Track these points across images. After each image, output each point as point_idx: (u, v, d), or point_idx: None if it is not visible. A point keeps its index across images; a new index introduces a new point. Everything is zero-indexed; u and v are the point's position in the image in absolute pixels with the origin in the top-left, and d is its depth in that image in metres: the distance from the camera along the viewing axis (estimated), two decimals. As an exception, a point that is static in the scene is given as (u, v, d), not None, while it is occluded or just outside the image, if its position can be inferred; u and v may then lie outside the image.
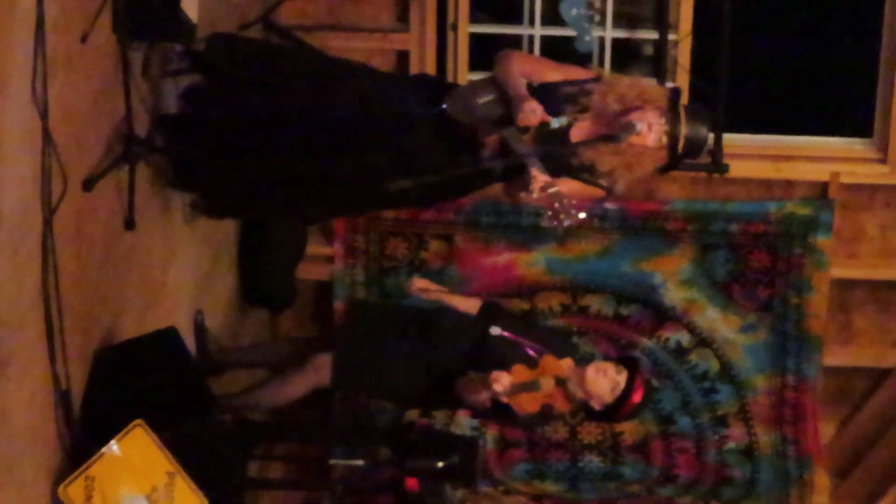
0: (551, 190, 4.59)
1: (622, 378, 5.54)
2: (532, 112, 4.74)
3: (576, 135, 4.91)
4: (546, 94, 4.91)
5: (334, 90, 5.08)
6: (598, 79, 4.96)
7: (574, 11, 6.18)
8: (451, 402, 6.05)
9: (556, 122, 4.87)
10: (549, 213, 4.55)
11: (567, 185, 4.83)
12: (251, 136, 5.03)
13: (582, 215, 4.55)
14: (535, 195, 4.63)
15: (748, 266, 7.27)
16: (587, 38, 6.47)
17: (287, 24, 6.89)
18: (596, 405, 5.58)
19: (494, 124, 4.87)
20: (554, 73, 4.98)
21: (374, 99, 5.03)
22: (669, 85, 6.71)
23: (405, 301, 6.52)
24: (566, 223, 4.55)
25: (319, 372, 5.81)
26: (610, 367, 5.58)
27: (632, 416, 5.82)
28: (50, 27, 3.92)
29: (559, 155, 4.88)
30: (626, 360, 5.72)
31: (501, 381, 5.40)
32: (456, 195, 5.69)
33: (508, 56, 4.98)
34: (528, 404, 5.49)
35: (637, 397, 5.59)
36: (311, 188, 5.14)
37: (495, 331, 5.65)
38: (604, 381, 5.53)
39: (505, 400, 5.47)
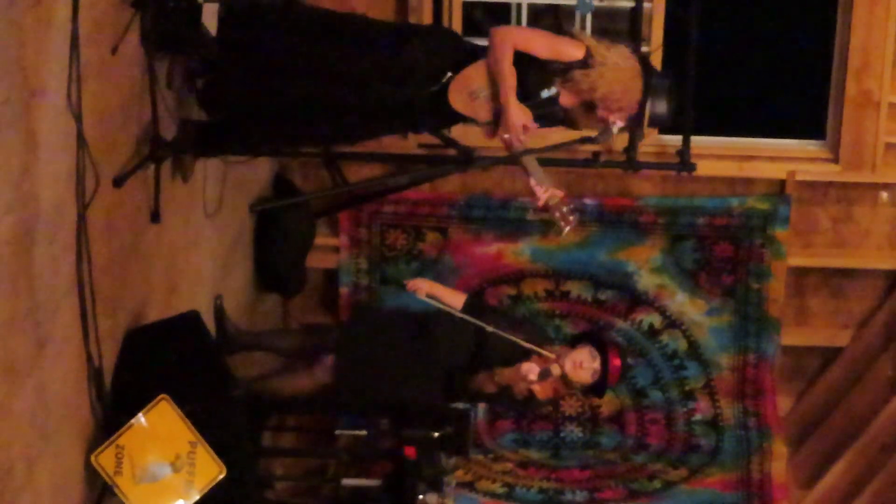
0: (553, 201, 4.69)
1: (597, 363, 5.58)
2: (517, 137, 4.79)
3: (563, 100, 4.94)
4: (537, 67, 4.91)
5: (337, 83, 5.00)
6: (585, 61, 4.87)
7: None
8: (452, 397, 5.97)
9: (545, 93, 4.92)
10: (553, 219, 4.67)
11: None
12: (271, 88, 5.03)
13: (575, 217, 4.71)
14: (540, 205, 4.77)
15: (713, 255, 7.27)
16: (588, 1, 6.42)
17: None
18: (584, 386, 5.70)
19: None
20: (546, 49, 4.91)
21: (373, 89, 4.94)
22: (644, 49, 6.73)
23: (402, 304, 6.40)
24: (566, 229, 4.71)
25: (325, 373, 5.76)
26: (585, 358, 5.59)
27: (622, 379, 5.85)
28: (84, 40, 3.91)
29: (550, 117, 4.96)
30: (594, 341, 5.72)
31: (534, 370, 5.46)
32: None
33: (501, 37, 4.85)
34: (548, 390, 5.56)
35: (615, 375, 5.62)
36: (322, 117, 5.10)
37: (490, 328, 5.56)
38: (582, 372, 5.59)
39: (535, 387, 5.50)
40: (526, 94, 4.87)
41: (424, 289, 5.73)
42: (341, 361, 5.75)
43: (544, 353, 5.57)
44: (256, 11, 5.10)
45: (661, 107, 4.91)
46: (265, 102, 5.01)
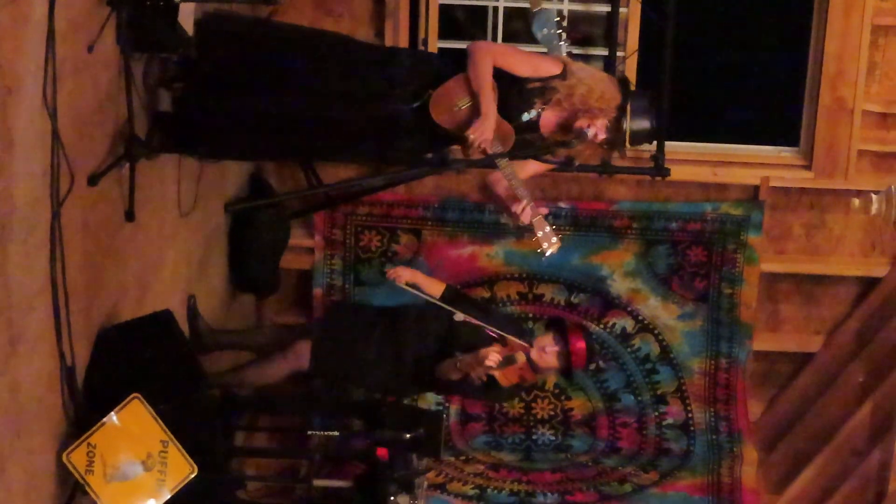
0: (535, 219, 4.73)
1: (560, 347, 5.67)
2: (482, 140, 4.83)
3: (543, 123, 5.01)
4: (517, 89, 4.96)
5: (324, 94, 5.03)
6: (563, 74, 4.98)
7: (544, 31, 6.26)
8: (422, 385, 6.10)
9: (526, 116, 4.99)
10: (535, 240, 4.72)
11: (532, 167, 4.92)
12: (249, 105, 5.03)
13: (555, 240, 4.76)
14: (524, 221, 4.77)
15: (686, 260, 7.30)
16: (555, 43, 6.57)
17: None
18: (552, 370, 5.82)
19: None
20: (524, 65, 4.99)
21: (360, 102, 4.99)
22: (620, 68, 6.79)
23: (375, 301, 6.59)
24: (549, 252, 4.73)
25: (300, 359, 5.82)
26: (549, 342, 5.71)
27: (589, 361, 5.87)
28: (59, 38, 3.91)
29: (529, 147, 5.00)
30: (555, 327, 5.80)
31: (492, 357, 5.47)
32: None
33: (481, 52, 4.95)
34: (511, 376, 5.59)
35: (579, 356, 5.68)
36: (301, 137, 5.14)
37: (459, 317, 5.65)
38: (547, 356, 5.68)
39: (494, 373, 5.54)
40: (507, 118, 4.93)
41: (405, 276, 5.82)
42: (318, 345, 5.83)
43: (510, 339, 5.62)
44: (237, 25, 5.15)
45: (642, 123, 4.97)
46: (243, 113, 5.03)
